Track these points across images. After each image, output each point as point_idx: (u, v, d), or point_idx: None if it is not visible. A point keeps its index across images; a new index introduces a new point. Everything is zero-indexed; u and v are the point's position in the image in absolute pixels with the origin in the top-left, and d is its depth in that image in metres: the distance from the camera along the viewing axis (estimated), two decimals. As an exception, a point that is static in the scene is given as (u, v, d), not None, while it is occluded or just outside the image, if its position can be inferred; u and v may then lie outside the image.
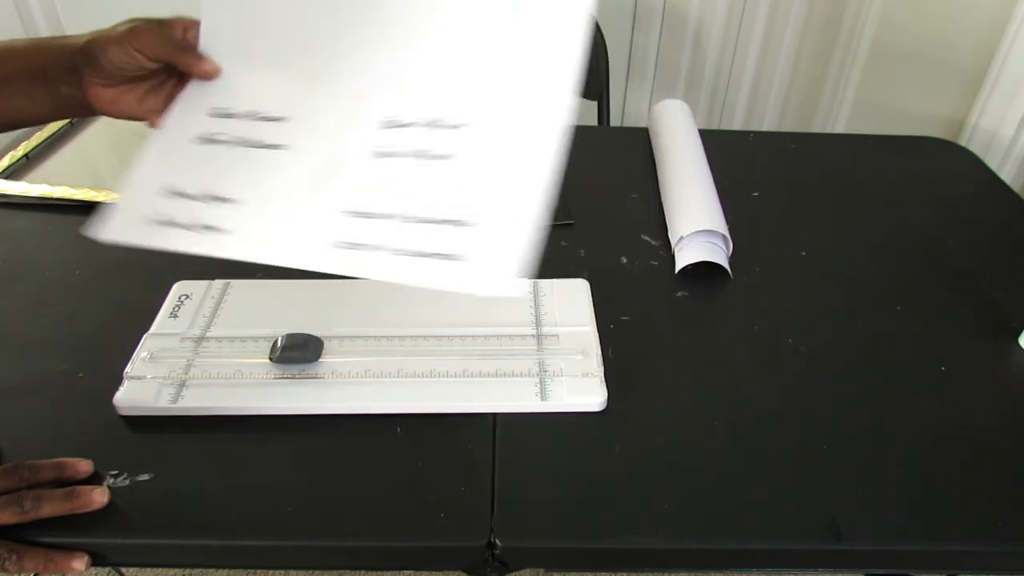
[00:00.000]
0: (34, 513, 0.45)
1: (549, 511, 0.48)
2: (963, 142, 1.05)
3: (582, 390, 0.55)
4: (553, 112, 0.41)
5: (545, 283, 0.65)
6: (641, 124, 1.03)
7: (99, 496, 0.46)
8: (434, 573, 0.58)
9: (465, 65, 0.45)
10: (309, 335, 0.58)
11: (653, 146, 0.89)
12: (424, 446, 0.52)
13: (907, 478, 0.51)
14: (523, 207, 0.40)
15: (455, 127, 0.43)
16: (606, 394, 0.55)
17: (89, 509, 0.46)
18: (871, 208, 0.80)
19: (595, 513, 0.48)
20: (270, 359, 0.56)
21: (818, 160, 0.90)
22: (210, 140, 0.48)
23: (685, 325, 0.64)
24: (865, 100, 1.25)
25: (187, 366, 0.56)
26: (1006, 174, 1.03)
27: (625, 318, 0.63)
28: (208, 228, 0.45)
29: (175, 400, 0.53)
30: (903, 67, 1.18)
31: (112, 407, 0.53)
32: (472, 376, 0.56)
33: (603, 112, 1.23)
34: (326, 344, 0.57)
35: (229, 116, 0.49)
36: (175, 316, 0.60)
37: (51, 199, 0.75)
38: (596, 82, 1.21)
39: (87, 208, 0.74)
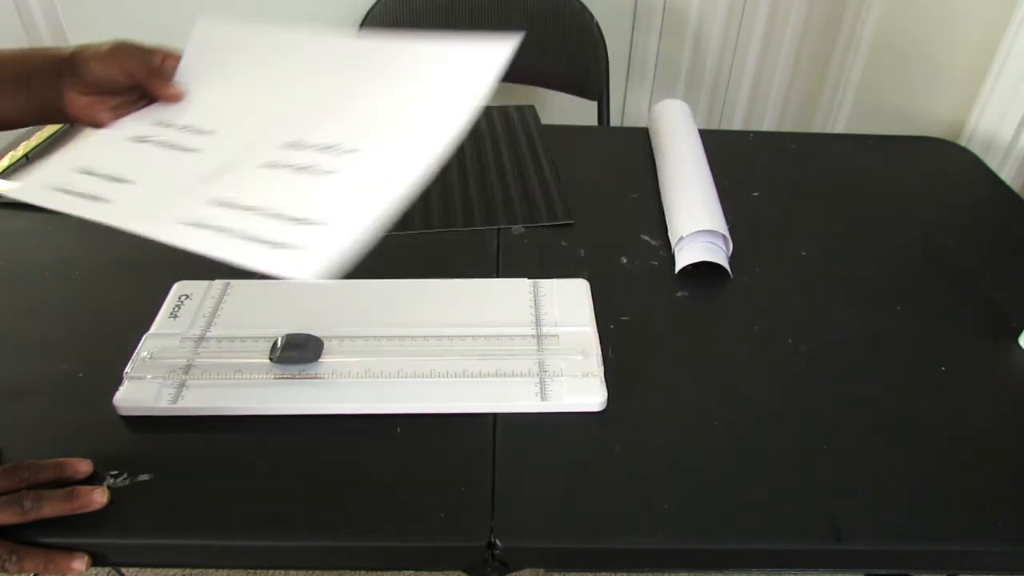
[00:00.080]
0: (34, 513, 0.45)
1: (549, 511, 0.48)
2: (963, 142, 1.05)
3: (582, 390, 0.55)
4: (427, 153, 0.46)
5: (545, 283, 0.65)
6: (641, 124, 1.03)
7: (99, 496, 0.47)
8: (434, 573, 0.58)
9: (378, 110, 0.51)
10: (309, 335, 0.58)
11: (653, 146, 0.89)
12: (424, 446, 0.52)
13: (907, 478, 0.51)
14: (363, 220, 0.44)
15: (347, 151, 0.48)
16: (606, 394, 0.55)
17: (89, 509, 0.46)
18: (871, 208, 0.80)
19: (595, 513, 0.48)
20: (270, 359, 0.56)
21: (818, 160, 0.90)
22: (141, 140, 0.53)
23: (685, 325, 0.64)
24: (865, 100, 1.25)
25: (187, 366, 0.56)
26: (1006, 174, 1.03)
27: (625, 318, 0.63)
28: (94, 198, 0.49)
29: (175, 400, 0.53)
30: (903, 67, 1.18)
31: (112, 407, 0.53)
32: (472, 376, 0.56)
33: (603, 112, 1.23)
34: (326, 344, 0.57)
35: (167, 126, 0.54)
36: (175, 316, 0.60)
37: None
38: (596, 82, 1.21)
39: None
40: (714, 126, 1.38)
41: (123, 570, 0.96)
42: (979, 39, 1.05)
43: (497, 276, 0.68)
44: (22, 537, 0.45)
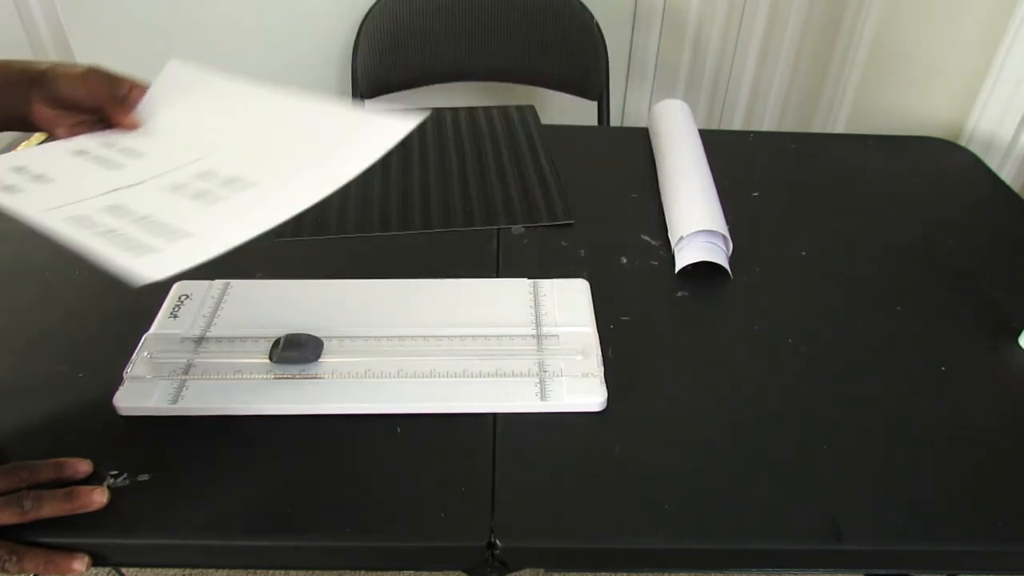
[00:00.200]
0: (34, 513, 0.45)
1: (549, 511, 0.48)
2: (963, 142, 1.05)
3: (582, 390, 0.55)
4: (301, 200, 0.49)
5: (545, 283, 0.65)
6: (641, 124, 1.03)
7: (99, 496, 0.47)
8: (434, 573, 0.58)
9: (283, 156, 0.56)
10: (309, 335, 0.58)
11: (653, 146, 0.89)
12: (424, 446, 0.52)
13: (907, 478, 0.51)
14: (223, 240, 0.46)
15: (244, 187, 0.52)
16: (606, 394, 0.55)
17: (89, 509, 0.46)
18: (871, 208, 0.80)
19: (595, 513, 0.48)
20: (270, 359, 0.56)
21: (818, 160, 0.90)
22: (80, 153, 0.57)
23: (685, 325, 0.64)
24: (865, 100, 1.25)
25: (187, 366, 0.56)
26: (1006, 174, 1.03)
27: (625, 318, 0.63)
28: (9, 188, 0.52)
29: (175, 400, 0.53)
30: (903, 67, 1.18)
31: (112, 407, 0.53)
32: (472, 376, 0.56)
33: (603, 112, 1.23)
34: (326, 344, 0.57)
35: (111, 146, 0.57)
36: (175, 316, 0.60)
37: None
38: (596, 82, 1.21)
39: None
40: (714, 126, 1.38)
41: (123, 570, 0.96)
42: (979, 39, 1.05)
43: (497, 276, 0.68)
44: (22, 537, 0.45)
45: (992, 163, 0.96)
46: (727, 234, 0.70)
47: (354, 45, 1.19)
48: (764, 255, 0.72)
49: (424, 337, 0.59)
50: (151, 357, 0.56)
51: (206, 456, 0.51)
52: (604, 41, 1.19)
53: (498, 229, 0.74)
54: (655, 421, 0.55)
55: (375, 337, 0.59)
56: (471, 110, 0.95)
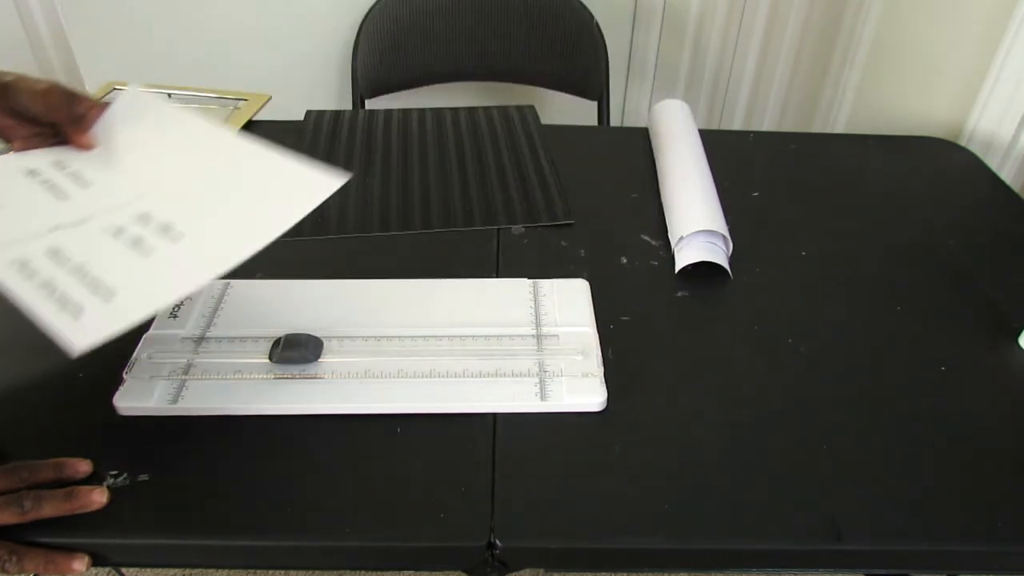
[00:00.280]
0: (34, 513, 0.45)
1: (549, 511, 0.48)
2: (963, 142, 1.04)
3: (582, 390, 0.55)
4: (224, 262, 0.51)
5: (545, 283, 0.65)
6: (641, 124, 1.03)
7: (98, 496, 0.47)
8: (434, 573, 0.58)
9: (216, 206, 0.56)
10: (309, 335, 0.58)
11: (653, 146, 0.89)
12: (424, 446, 0.52)
13: (907, 478, 0.51)
14: (144, 306, 0.48)
15: (175, 238, 0.53)
16: (606, 394, 0.55)
17: (89, 509, 0.46)
18: (871, 208, 0.80)
19: (595, 513, 0.48)
20: (270, 359, 0.56)
21: (818, 160, 0.90)
22: (30, 174, 0.58)
23: (685, 325, 0.64)
24: (865, 100, 1.25)
25: (187, 366, 0.56)
26: (1006, 174, 1.03)
27: (625, 318, 0.63)
28: None
29: (175, 400, 0.53)
30: (903, 67, 1.18)
31: (112, 407, 0.53)
32: (472, 376, 0.56)
33: (603, 112, 1.23)
34: (326, 344, 0.57)
35: (62, 168, 0.58)
36: (175, 316, 0.60)
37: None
38: (596, 82, 1.21)
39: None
40: (714, 126, 1.38)
41: (123, 570, 0.96)
42: (979, 39, 1.04)
43: (497, 276, 0.68)
44: (22, 537, 0.45)
45: (992, 163, 0.96)
46: (727, 234, 0.70)
47: (354, 45, 1.19)
48: (764, 255, 0.72)
49: (424, 337, 0.59)
50: (151, 357, 0.56)
51: (206, 456, 0.51)
52: (604, 41, 1.19)
53: (498, 229, 0.74)
54: (655, 421, 0.55)
55: (375, 337, 0.59)
56: (471, 110, 0.95)
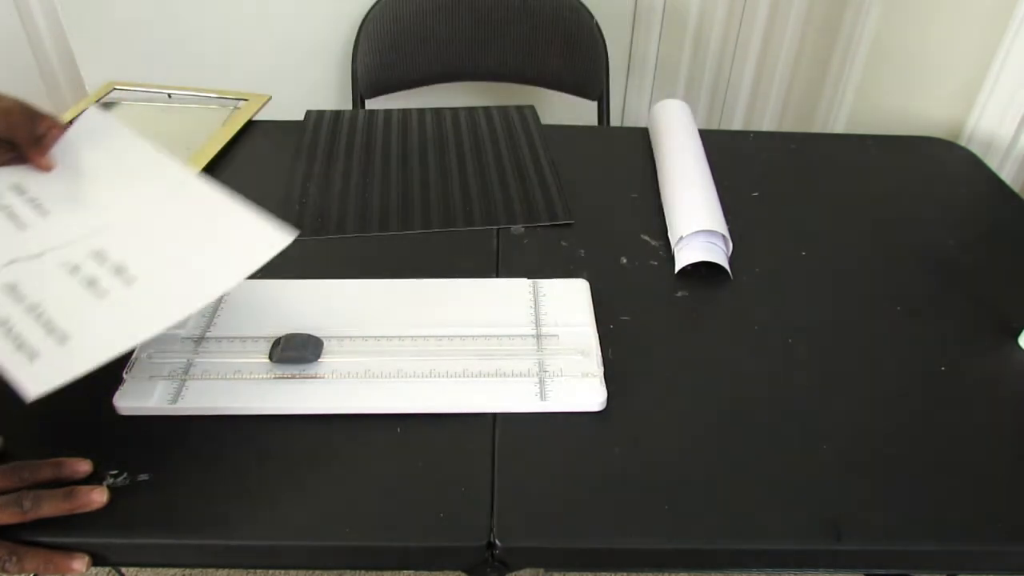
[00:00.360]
0: (34, 513, 0.45)
1: (549, 511, 0.48)
2: (963, 142, 1.04)
3: (582, 390, 0.55)
4: (176, 313, 0.52)
5: (545, 283, 0.65)
6: (641, 124, 1.03)
7: (98, 496, 0.47)
8: (434, 573, 0.58)
9: (170, 250, 0.56)
10: (309, 335, 0.58)
11: (653, 146, 0.89)
12: (424, 446, 0.52)
13: (907, 478, 0.51)
14: (94, 358, 0.48)
15: (128, 281, 0.53)
16: (606, 394, 0.55)
17: (88, 509, 0.46)
18: (871, 208, 0.80)
19: (595, 513, 0.48)
20: (270, 359, 0.56)
21: (818, 160, 0.90)
22: None
23: (685, 325, 0.64)
24: (865, 100, 1.25)
25: (187, 366, 0.56)
26: (1006, 174, 1.03)
27: (625, 318, 0.63)
28: None
29: (175, 400, 0.53)
30: (903, 67, 1.18)
31: (112, 407, 0.53)
32: (472, 376, 0.56)
33: (603, 112, 1.23)
34: (326, 344, 0.57)
35: (20, 193, 0.59)
36: (175, 316, 0.60)
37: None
38: (596, 82, 1.21)
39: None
40: (714, 126, 1.38)
41: (123, 570, 0.96)
42: (979, 39, 1.04)
43: (497, 276, 0.68)
44: (22, 537, 0.45)
45: (992, 163, 0.96)
46: (727, 234, 0.70)
47: (354, 45, 1.19)
48: (764, 255, 0.72)
49: (424, 337, 0.59)
50: (151, 357, 0.56)
51: (206, 456, 0.51)
52: (604, 41, 1.19)
53: (498, 229, 0.74)
54: (655, 421, 0.55)
55: (375, 337, 0.59)
56: (471, 110, 0.95)
